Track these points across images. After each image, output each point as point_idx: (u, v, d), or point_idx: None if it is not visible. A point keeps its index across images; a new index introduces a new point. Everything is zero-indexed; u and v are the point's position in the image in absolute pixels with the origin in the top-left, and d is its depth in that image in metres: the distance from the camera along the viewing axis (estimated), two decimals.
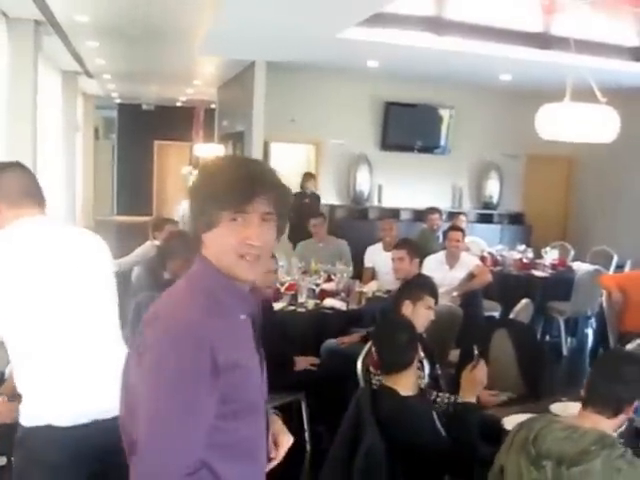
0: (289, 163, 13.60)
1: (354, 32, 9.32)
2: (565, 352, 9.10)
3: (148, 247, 7.37)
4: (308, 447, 5.67)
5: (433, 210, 9.96)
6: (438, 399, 4.21)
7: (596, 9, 8.45)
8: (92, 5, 9.33)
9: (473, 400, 3.64)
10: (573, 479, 2.70)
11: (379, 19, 8.92)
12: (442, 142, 14.09)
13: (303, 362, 5.70)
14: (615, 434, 2.97)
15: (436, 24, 9.66)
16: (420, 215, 12.86)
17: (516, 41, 10.04)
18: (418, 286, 4.98)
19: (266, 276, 5.65)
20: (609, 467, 2.69)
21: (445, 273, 7.42)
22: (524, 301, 6.32)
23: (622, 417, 2.98)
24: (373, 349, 4.46)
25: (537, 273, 9.42)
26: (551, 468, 2.74)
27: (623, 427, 3.25)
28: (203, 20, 9.48)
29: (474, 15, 9.55)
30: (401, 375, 3.67)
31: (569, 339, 9.43)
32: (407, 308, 4.68)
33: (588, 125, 7.08)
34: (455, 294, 7.23)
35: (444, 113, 13.96)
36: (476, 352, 3.72)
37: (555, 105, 7.16)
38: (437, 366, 4.45)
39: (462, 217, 10.34)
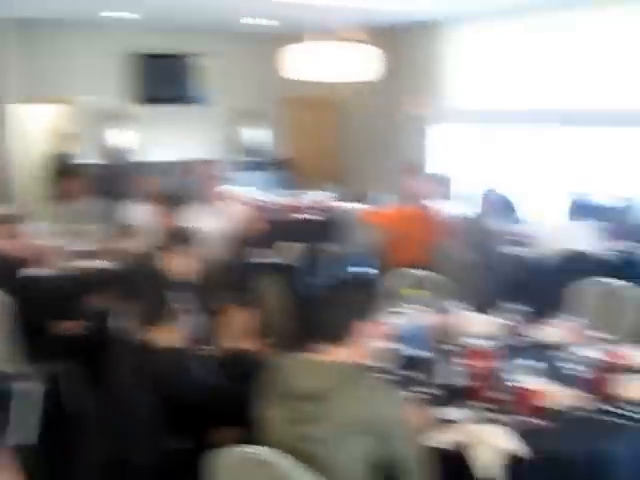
0: (39, 125, 12.99)
1: None
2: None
3: None
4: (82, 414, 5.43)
5: (205, 162, 9.66)
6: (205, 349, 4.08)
7: None
8: None
9: (236, 345, 3.55)
10: (322, 414, 2.69)
11: None
12: (202, 92, 13.82)
13: (67, 326, 5.44)
14: (372, 363, 2.96)
15: None
16: (185, 166, 12.67)
17: None
18: (170, 238, 4.88)
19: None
20: (355, 397, 2.71)
21: (207, 222, 7.27)
22: (290, 244, 6.32)
23: (359, 344, 2.93)
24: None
25: (305, 216, 9.49)
26: (300, 405, 2.73)
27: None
28: None
29: None
30: (157, 328, 3.53)
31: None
32: (164, 261, 4.58)
33: (343, 64, 7.09)
34: (224, 245, 7.12)
35: (203, 62, 13.68)
36: (230, 300, 3.65)
37: (302, 45, 7.12)
38: (209, 316, 4.31)
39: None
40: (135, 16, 11.65)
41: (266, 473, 2.64)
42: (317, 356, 2.87)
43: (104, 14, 11.28)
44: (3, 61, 11.61)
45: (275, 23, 12.25)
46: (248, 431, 3.43)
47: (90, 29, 12.43)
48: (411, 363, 3.91)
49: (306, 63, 7.06)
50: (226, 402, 3.44)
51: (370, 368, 2.93)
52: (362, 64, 7.14)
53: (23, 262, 5.54)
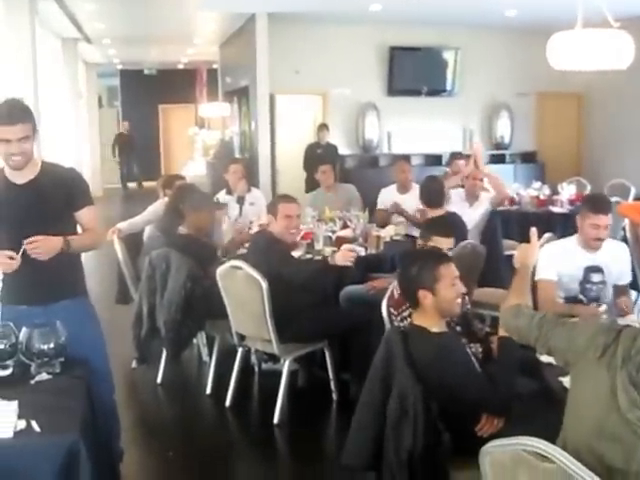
0: (296, 115, 13.47)
1: None
2: None
3: (159, 205, 7.19)
4: (335, 396, 5.55)
5: (459, 155, 9.60)
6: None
7: None
8: None
9: (525, 301, 3.41)
10: None
11: None
12: (449, 85, 13.90)
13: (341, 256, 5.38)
14: None
15: None
16: (431, 160, 12.75)
17: None
18: (428, 227, 4.87)
19: (289, 220, 5.50)
20: None
21: (464, 210, 7.22)
22: (547, 235, 6.10)
23: None
24: (394, 290, 4.34)
25: (555, 209, 9.24)
26: None
27: None
28: None
29: None
30: (428, 309, 3.52)
31: None
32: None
33: (602, 52, 6.82)
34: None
35: (449, 55, 13.78)
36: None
37: (567, 33, 6.89)
38: (466, 299, 4.26)
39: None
40: (390, 12, 11.80)
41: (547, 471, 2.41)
42: None
43: (366, 10, 11.51)
44: (268, 54, 12.20)
45: (513, 12, 12.03)
46: (513, 422, 3.38)
47: (345, 23, 12.73)
48: None
49: (574, 52, 6.82)
50: (496, 391, 3.38)
51: None
52: (618, 52, 6.82)
53: (283, 245, 5.65)
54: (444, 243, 4.76)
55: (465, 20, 12.67)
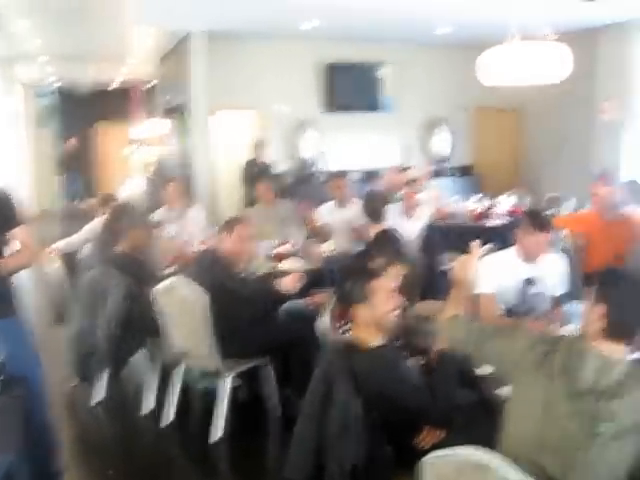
0: (233, 133, 13.43)
1: None
2: None
3: (96, 224, 7.12)
4: (276, 411, 5.53)
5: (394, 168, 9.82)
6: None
7: None
8: None
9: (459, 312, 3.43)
10: (612, 412, 2.57)
11: None
12: (385, 100, 13.94)
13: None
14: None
15: None
16: (370, 175, 12.81)
17: None
18: (397, 254, 4.84)
19: (243, 243, 5.51)
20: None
21: (403, 223, 7.31)
22: (486, 246, 6.12)
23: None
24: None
25: (491, 223, 9.33)
26: (590, 400, 2.59)
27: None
28: None
29: None
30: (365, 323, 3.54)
31: None
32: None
33: (532, 66, 6.76)
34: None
35: (385, 70, 13.81)
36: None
37: (494, 49, 6.81)
38: (407, 312, 4.30)
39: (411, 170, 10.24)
40: (327, 27, 11.83)
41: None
42: (600, 348, 2.69)
43: (302, 27, 11.55)
44: (204, 72, 12.15)
45: (448, 29, 12.20)
46: (453, 433, 3.40)
47: (282, 40, 12.77)
48: None
49: (505, 66, 6.81)
50: (436, 402, 3.40)
51: None
52: (553, 64, 6.84)
53: (229, 262, 5.63)
54: (402, 270, 4.76)
55: (401, 36, 12.77)
